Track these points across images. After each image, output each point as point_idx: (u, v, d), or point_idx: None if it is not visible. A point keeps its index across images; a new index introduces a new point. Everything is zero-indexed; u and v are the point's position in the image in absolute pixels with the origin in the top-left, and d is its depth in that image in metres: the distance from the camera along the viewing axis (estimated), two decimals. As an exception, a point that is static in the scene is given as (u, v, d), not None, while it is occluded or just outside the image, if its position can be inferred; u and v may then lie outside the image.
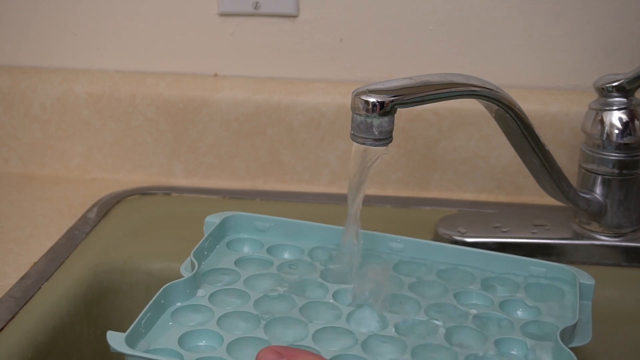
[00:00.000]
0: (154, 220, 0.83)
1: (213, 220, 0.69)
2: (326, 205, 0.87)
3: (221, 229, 0.69)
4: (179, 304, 0.59)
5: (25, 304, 0.68)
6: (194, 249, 0.64)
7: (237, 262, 0.66)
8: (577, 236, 0.77)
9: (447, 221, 0.80)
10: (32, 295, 0.69)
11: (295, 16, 0.89)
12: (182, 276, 0.61)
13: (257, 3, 0.89)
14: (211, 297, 0.61)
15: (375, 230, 0.68)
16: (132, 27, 0.92)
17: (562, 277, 0.65)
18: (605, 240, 0.76)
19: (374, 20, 0.88)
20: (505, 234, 0.77)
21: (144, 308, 0.56)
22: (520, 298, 0.63)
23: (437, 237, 0.78)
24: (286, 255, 0.68)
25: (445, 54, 0.88)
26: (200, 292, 0.61)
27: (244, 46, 0.91)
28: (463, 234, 0.77)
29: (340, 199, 0.86)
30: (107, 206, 0.86)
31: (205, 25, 0.91)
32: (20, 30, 0.95)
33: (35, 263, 0.74)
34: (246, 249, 0.69)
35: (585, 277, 0.63)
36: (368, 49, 0.89)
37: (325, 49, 0.90)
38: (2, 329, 0.65)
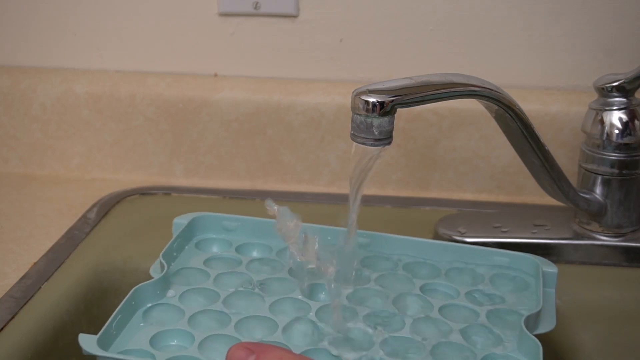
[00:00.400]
0: (154, 220, 0.83)
1: (181, 221, 0.70)
2: (326, 205, 0.87)
3: (189, 230, 0.70)
4: (149, 304, 0.60)
5: (25, 304, 0.68)
6: (163, 250, 0.64)
7: (206, 262, 0.67)
8: (577, 236, 0.77)
9: (447, 221, 0.80)
10: (32, 295, 0.69)
11: (295, 16, 0.89)
12: (152, 277, 0.61)
13: (257, 3, 0.89)
14: (181, 297, 0.61)
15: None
16: (132, 27, 0.92)
17: (526, 266, 0.66)
18: (605, 240, 0.76)
19: (374, 20, 0.88)
20: (505, 234, 0.77)
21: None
22: (485, 288, 0.64)
23: (437, 237, 0.78)
24: (254, 254, 0.69)
25: (445, 54, 0.88)
26: (170, 293, 0.62)
27: (244, 46, 0.91)
28: (463, 234, 0.77)
29: (340, 199, 0.86)
30: (107, 206, 0.86)
31: (205, 25, 0.91)
32: (20, 30, 0.95)
33: (35, 263, 0.74)
34: (215, 249, 0.69)
35: (548, 266, 0.65)
36: (368, 49, 0.89)
37: (325, 49, 0.90)
38: (2, 329, 0.65)
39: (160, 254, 0.64)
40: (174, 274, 0.64)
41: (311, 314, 0.60)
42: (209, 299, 0.61)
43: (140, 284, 0.60)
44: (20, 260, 0.75)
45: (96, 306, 0.74)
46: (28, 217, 0.84)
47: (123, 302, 0.57)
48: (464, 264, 0.67)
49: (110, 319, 0.56)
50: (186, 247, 0.69)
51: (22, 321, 0.66)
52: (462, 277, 0.66)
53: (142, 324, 0.58)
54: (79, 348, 0.65)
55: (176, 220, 0.70)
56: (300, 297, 0.62)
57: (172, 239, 0.67)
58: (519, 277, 0.65)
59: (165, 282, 0.62)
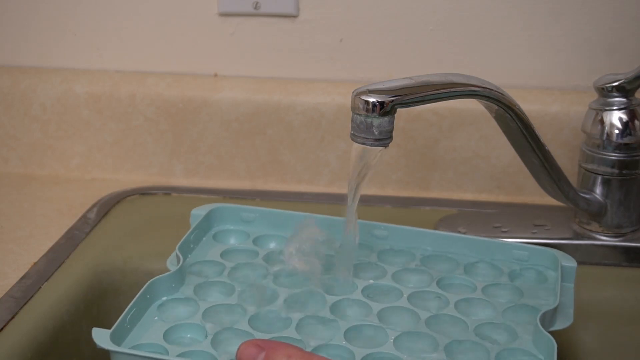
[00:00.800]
0: (154, 220, 0.83)
1: (199, 212, 0.69)
2: (326, 205, 0.87)
3: (207, 221, 0.69)
4: (164, 298, 0.60)
5: (25, 304, 0.68)
6: (180, 242, 0.64)
7: (223, 254, 0.67)
8: (577, 236, 0.77)
9: (447, 221, 0.80)
10: (32, 295, 0.69)
11: (295, 16, 0.89)
12: (167, 270, 0.61)
13: (257, 3, 0.89)
14: (197, 290, 0.61)
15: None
16: (132, 27, 0.92)
17: (545, 260, 0.65)
18: (605, 240, 0.76)
19: (374, 20, 0.88)
20: (505, 234, 0.77)
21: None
22: (503, 282, 0.64)
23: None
24: (272, 246, 0.69)
25: (445, 54, 0.88)
26: (186, 286, 0.61)
27: (244, 46, 0.91)
28: (463, 234, 0.77)
29: (340, 199, 0.85)
30: (107, 206, 0.86)
31: (205, 25, 0.91)
32: (20, 30, 0.95)
33: (35, 263, 0.74)
34: (232, 240, 0.69)
35: (567, 260, 0.64)
36: (368, 49, 0.89)
37: (325, 49, 0.90)
38: (2, 329, 0.65)
39: (177, 246, 0.63)
40: (190, 266, 0.64)
41: (327, 309, 0.59)
42: (224, 293, 0.61)
43: (155, 277, 0.59)
44: (20, 260, 0.75)
45: (96, 306, 0.74)
46: (28, 217, 0.84)
47: (138, 295, 0.57)
48: (482, 258, 0.66)
49: (124, 313, 0.55)
50: (204, 238, 0.68)
51: (22, 321, 0.66)
52: (480, 271, 0.65)
53: (156, 318, 0.58)
54: (79, 348, 0.65)
55: (194, 211, 0.69)
56: (316, 291, 0.61)
57: (190, 231, 0.66)
58: (537, 271, 0.65)
59: (181, 275, 0.62)
